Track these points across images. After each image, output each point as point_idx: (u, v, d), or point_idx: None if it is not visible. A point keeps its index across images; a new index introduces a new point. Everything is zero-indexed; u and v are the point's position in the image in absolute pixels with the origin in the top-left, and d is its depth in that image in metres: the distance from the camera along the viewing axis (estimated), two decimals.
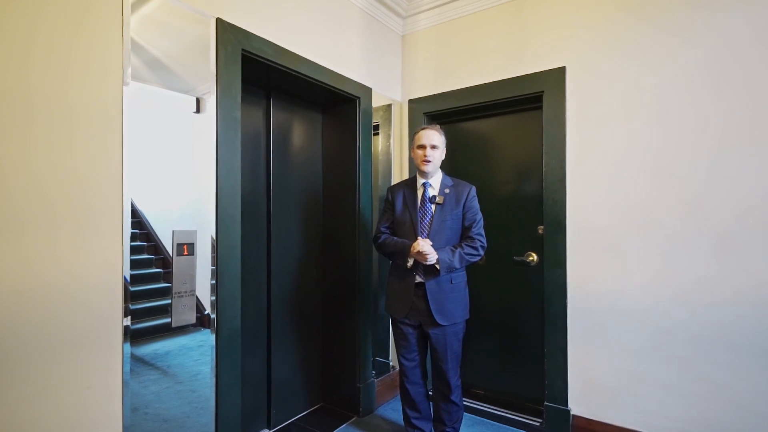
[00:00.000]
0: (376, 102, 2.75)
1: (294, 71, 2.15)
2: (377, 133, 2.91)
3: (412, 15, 2.90)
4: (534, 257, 2.55)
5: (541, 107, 2.44)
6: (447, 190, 2.12)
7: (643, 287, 2.13)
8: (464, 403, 2.70)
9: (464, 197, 2.09)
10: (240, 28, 1.87)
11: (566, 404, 2.32)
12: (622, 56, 2.19)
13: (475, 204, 2.11)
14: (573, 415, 2.31)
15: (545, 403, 2.38)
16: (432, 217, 2.09)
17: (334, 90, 2.42)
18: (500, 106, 2.64)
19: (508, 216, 2.67)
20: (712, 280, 1.97)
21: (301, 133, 2.65)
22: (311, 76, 2.25)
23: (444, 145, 2.14)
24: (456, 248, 2.03)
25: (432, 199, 2.10)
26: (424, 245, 1.94)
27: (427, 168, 2.08)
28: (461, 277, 2.12)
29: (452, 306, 2.06)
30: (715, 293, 1.96)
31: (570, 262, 2.32)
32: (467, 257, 2.03)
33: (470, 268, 2.79)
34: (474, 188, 2.14)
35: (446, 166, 2.91)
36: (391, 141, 2.92)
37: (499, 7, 2.58)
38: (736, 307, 1.92)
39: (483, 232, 2.10)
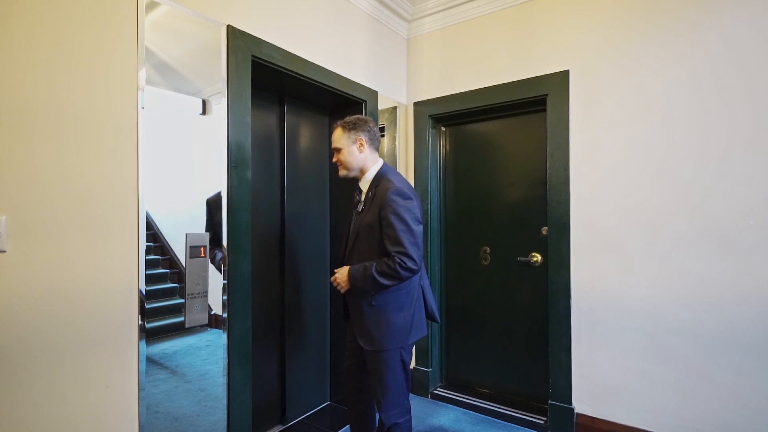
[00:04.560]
0: (382, 105, 2.79)
1: (303, 76, 2.18)
2: (383, 135, 2.95)
3: (416, 19, 2.93)
4: (538, 258, 2.58)
5: (545, 110, 2.47)
6: (370, 193, 1.73)
7: (646, 288, 2.15)
8: (470, 401, 2.74)
9: (380, 203, 1.66)
10: (250, 34, 1.91)
11: (570, 402, 2.35)
12: (627, 59, 2.21)
13: (392, 212, 1.61)
14: (577, 413, 2.34)
15: (549, 401, 2.41)
16: (350, 229, 1.78)
17: (341, 94, 2.46)
18: (504, 109, 2.67)
19: (512, 217, 2.70)
20: (715, 281, 1.99)
21: (309, 136, 2.69)
22: (319, 80, 2.28)
23: (352, 140, 1.76)
24: (368, 266, 1.64)
25: (357, 206, 1.79)
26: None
27: (341, 174, 1.81)
28: (387, 299, 1.69)
29: (375, 331, 1.68)
30: (718, 294, 1.98)
31: (574, 262, 2.35)
32: (380, 279, 1.59)
33: (472, 269, 2.85)
34: (393, 190, 1.65)
35: (451, 169, 2.96)
36: (397, 143, 2.95)
37: (503, 11, 2.61)
38: (739, 307, 1.94)
39: (406, 249, 1.58)
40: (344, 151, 1.77)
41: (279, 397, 2.50)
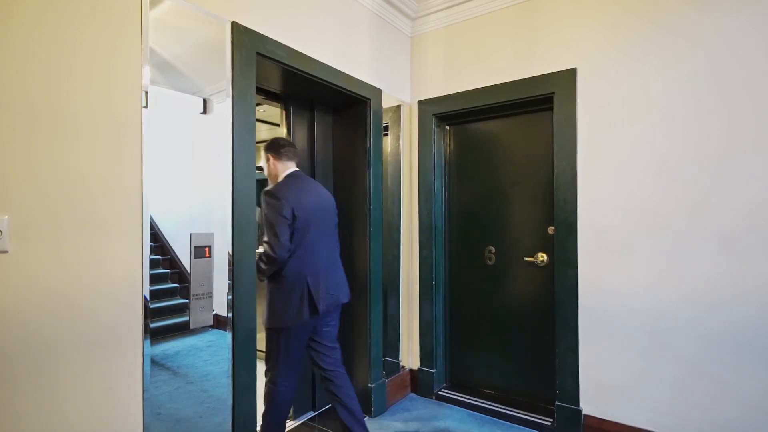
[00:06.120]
0: (386, 103, 2.76)
1: (307, 74, 2.16)
2: (386, 134, 2.93)
3: (421, 17, 2.91)
4: (544, 258, 2.56)
5: (551, 108, 2.45)
6: None
7: (651, 287, 2.14)
8: (475, 402, 2.72)
9: None
10: (255, 31, 1.89)
11: (578, 404, 2.33)
12: (628, 58, 2.20)
13: (262, 210, 1.95)
14: (584, 415, 2.32)
15: (556, 402, 2.39)
16: None
17: (346, 92, 2.44)
18: (510, 107, 2.65)
19: (518, 216, 2.68)
20: (719, 281, 1.98)
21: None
22: (324, 78, 2.26)
23: (265, 159, 2.11)
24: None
25: None
26: None
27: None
28: (273, 285, 1.98)
29: (265, 310, 1.97)
30: (721, 293, 1.98)
31: (581, 262, 2.33)
32: (259, 263, 1.94)
33: (477, 269, 2.83)
34: (264, 191, 1.97)
35: (456, 168, 2.94)
36: (401, 142, 2.93)
37: (508, 9, 2.59)
38: (742, 306, 1.93)
39: (268, 239, 1.90)
40: (264, 168, 2.14)
41: (310, 386, 2.63)
